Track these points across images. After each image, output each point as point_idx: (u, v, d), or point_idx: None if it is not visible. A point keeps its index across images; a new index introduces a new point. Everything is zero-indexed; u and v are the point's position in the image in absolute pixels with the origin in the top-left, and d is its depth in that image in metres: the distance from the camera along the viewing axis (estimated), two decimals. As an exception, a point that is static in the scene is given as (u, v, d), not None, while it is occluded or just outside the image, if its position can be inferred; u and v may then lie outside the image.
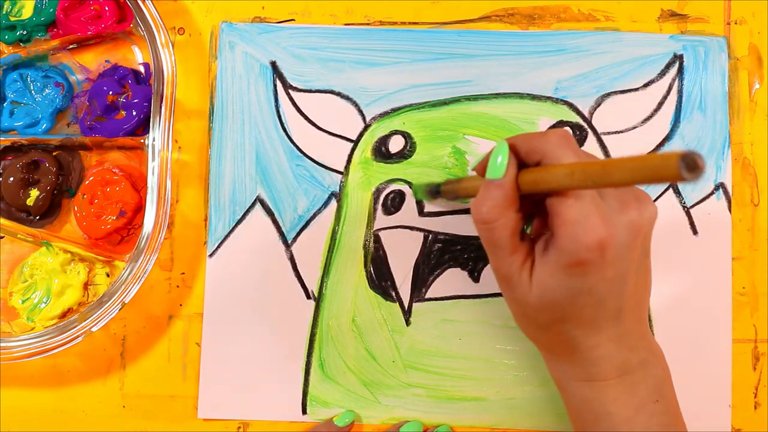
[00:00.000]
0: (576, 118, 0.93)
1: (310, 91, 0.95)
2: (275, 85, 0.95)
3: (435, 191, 0.86)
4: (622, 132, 0.92)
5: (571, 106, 0.93)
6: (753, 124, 0.93)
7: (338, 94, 0.94)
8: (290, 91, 0.95)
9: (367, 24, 0.95)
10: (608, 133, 0.93)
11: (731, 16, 0.95)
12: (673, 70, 0.94)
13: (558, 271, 0.68)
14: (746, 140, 0.93)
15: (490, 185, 0.71)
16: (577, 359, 0.74)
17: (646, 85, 0.94)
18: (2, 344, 0.88)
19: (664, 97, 0.93)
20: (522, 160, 0.71)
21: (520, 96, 0.94)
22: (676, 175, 0.53)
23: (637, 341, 0.73)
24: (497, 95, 0.94)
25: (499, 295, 0.92)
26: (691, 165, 0.53)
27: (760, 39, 0.95)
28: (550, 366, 0.79)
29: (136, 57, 0.97)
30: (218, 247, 0.94)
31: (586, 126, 0.93)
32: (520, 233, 0.73)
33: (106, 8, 0.94)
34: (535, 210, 0.75)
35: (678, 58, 0.94)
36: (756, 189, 0.93)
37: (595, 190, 0.67)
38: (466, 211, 0.92)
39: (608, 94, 0.94)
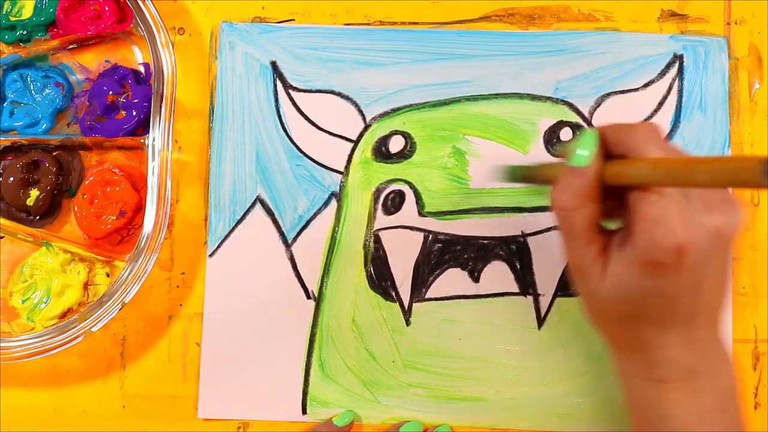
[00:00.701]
0: (576, 119, 0.93)
1: (310, 91, 0.95)
2: (275, 85, 0.95)
3: (519, 174, 0.85)
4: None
5: (571, 106, 0.93)
6: (753, 124, 0.93)
7: (338, 94, 0.95)
8: (290, 91, 0.95)
9: (367, 24, 0.95)
10: (609, 134, 0.92)
11: (731, 16, 0.95)
12: (673, 70, 0.94)
13: (632, 268, 0.67)
14: (746, 140, 0.93)
15: (573, 173, 0.69)
16: (642, 358, 0.72)
17: (646, 86, 0.94)
18: (2, 344, 0.88)
19: (665, 98, 0.93)
20: (608, 150, 0.70)
21: (520, 96, 0.94)
22: (755, 180, 0.52)
23: (708, 347, 0.72)
24: (497, 95, 0.94)
25: (499, 295, 0.92)
26: None
27: (760, 39, 0.95)
28: (615, 361, 0.77)
29: (136, 57, 0.97)
30: (218, 247, 0.94)
31: (586, 126, 0.93)
32: (598, 225, 0.71)
33: (106, 8, 0.94)
34: (616, 203, 0.72)
35: (678, 58, 0.94)
36: (756, 189, 0.92)
37: (681, 189, 0.66)
38: (467, 212, 0.93)
39: (608, 95, 0.93)
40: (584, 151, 0.69)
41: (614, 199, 0.70)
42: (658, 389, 0.72)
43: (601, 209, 0.70)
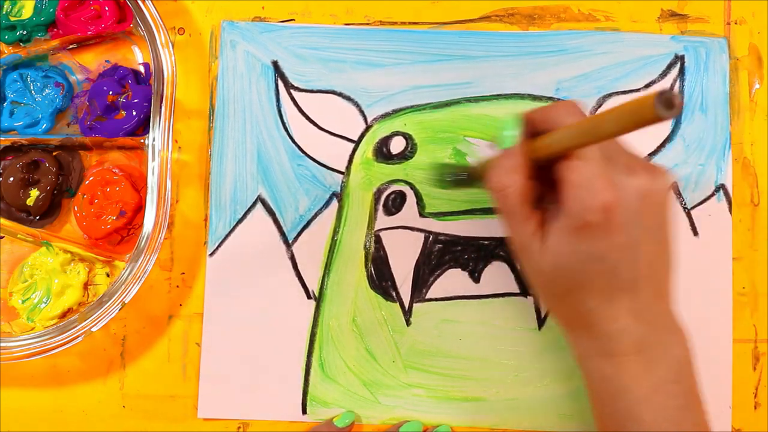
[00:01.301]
0: None
1: (311, 91, 0.95)
2: (277, 85, 0.95)
3: (463, 178, 0.86)
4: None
5: None
6: (753, 124, 0.93)
7: (340, 94, 0.94)
8: (292, 90, 0.95)
9: (367, 24, 0.95)
10: (609, 134, 0.92)
11: (731, 16, 0.95)
12: (674, 71, 0.94)
13: (567, 235, 0.69)
14: (746, 140, 0.93)
15: (503, 154, 0.74)
16: (594, 333, 0.74)
17: (647, 86, 0.94)
18: (2, 344, 0.88)
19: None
20: (536, 131, 0.73)
21: (521, 97, 0.94)
22: (653, 114, 0.55)
23: (657, 318, 0.73)
24: (498, 96, 0.94)
25: (499, 295, 0.92)
26: (667, 103, 0.54)
27: (760, 39, 0.95)
28: (571, 343, 0.79)
29: (136, 57, 0.97)
30: (219, 246, 0.94)
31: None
32: (534, 202, 0.73)
33: (106, 8, 0.94)
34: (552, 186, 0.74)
35: (679, 58, 0.94)
36: (756, 189, 0.93)
37: (603, 156, 0.68)
38: (467, 213, 0.93)
39: (609, 95, 0.93)
40: (509, 132, 0.73)
41: (549, 182, 0.72)
42: (613, 364, 0.73)
43: (534, 186, 0.73)
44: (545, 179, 0.73)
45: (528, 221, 0.73)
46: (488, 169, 0.75)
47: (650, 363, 0.72)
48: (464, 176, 0.84)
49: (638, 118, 0.58)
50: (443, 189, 0.91)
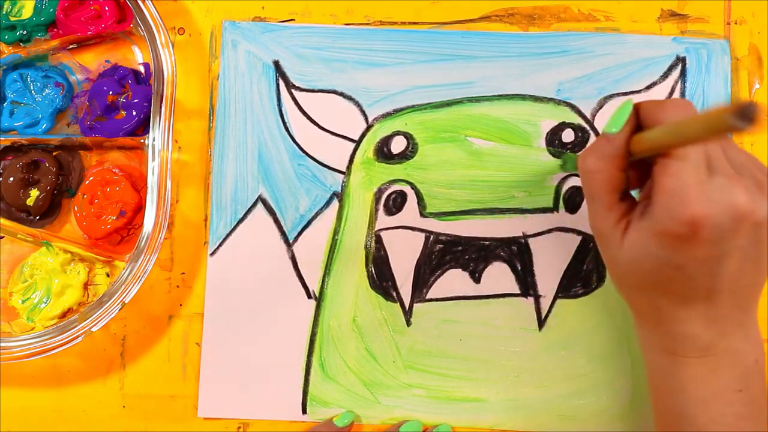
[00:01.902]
0: (578, 120, 0.93)
1: (312, 90, 0.95)
2: (278, 84, 0.95)
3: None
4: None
5: (574, 107, 0.93)
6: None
7: (341, 94, 0.94)
8: (293, 90, 0.95)
9: (367, 24, 0.95)
10: (611, 135, 0.92)
11: (731, 16, 0.94)
12: (676, 73, 0.94)
13: (649, 237, 0.68)
14: (746, 140, 0.93)
15: (602, 138, 0.73)
16: (661, 330, 0.73)
17: (648, 87, 0.93)
18: (2, 344, 0.88)
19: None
20: (643, 124, 0.72)
21: (522, 97, 0.93)
22: (729, 126, 0.55)
23: (732, 328, 0.72)
24: (499, 97, 0.93)
25: (500, 296, 0.92)
26: (744, 115, 0.53)
27: (760, 39, 0.94)
28: (638, 331, 0.79)
29: (136, 57, 0.96)
30: (219, 246, 0.93)
31: (588, 128, 0.93)
32: (622, 193, 0.73)
33: (106, 8, 0.93)
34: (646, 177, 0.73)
35: (681, 60, 0.94)
36: (756, 189, 0.92)
37: (706, 161, 0.67)
38: (468, 213, 0.92)
39: (610, 96, 0.93)
40: (616, 120, 0.71)
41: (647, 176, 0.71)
42: (675, 363, 0.73)
43: (625, 178, 0.73)
44: (644, 173, 0.72)
45: (611, 211, 0.72)
46: (584, 150, 0.76)
47: (714, 369, 0.71)
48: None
49: (719, 127, 0.58)
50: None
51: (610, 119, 0.72)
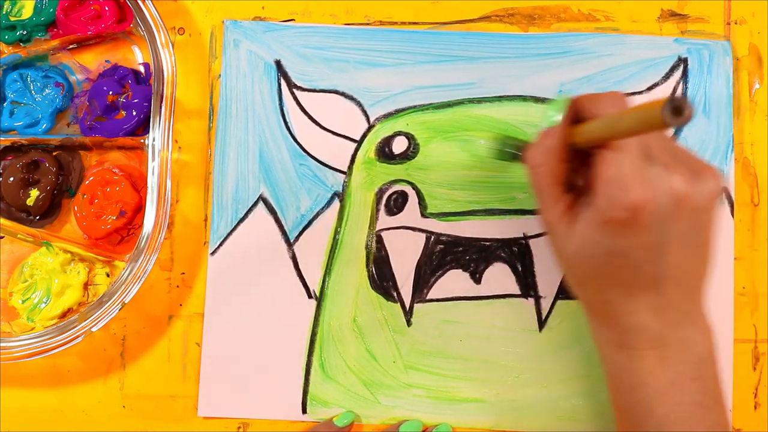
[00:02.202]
0: None
1: (314, 90, 0.94)
2: (279, 84, 0.95)
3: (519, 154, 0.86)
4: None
5: None
6: (753, 124, 0.93)
7: (342, 94, 0.94)
8: (294, 90, 0.94)
9: (368, 24, 0.95)
10: (612, 136, 0.92)
11: (731, 16, 0.94)
12: (678, 74, 0.93)
13: (593, 226, 0.69)
14: (746, 140, 0.93)
15: (542, 133, 0.76)
16: (613, 323, 0.74)
17: (650, 88, 0.93)
18: (2, 344, 0.88)
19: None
20: (580, 117, 0.73)
21: (524, 98, 0.93)
22: (660, 120, 0.56)
23: (680, 317, 0.73)
24: (501, 98, 0.93)
25: (500, 297, 0.92)
26: (676, 110, 0.55)
27: (760, 39, 0.94)
28: (591, 328, 0.80)
29: (136, 57, 0.96)
30: (220, 245, 0.93)
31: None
32: (565, 185, 0.75)
33: (106, 8, 0.93)
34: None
35: (682, 61, 0.94)
36: (756, 189, 0.93)
37: (643, 150, 0.68)
38: (469, 213, 0.92)
39: None
40: (553, 114, 0.75)
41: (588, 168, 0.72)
42: (629, 356, 0.74)
43: (567, 169, 0.75)
44: (586, 164, 0.73)
45: (557, 203, 0.74)
46: (526, 147, 0.77)
47: (668, 359, 0.72)
48: (520, 152, 0.84)
49: (650, 123, 0.58)
50: (500, 160, 0.89)
51: (545, 115, 0.76)
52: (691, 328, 0.73)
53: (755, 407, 0.92)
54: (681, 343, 0.72)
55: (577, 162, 0.74)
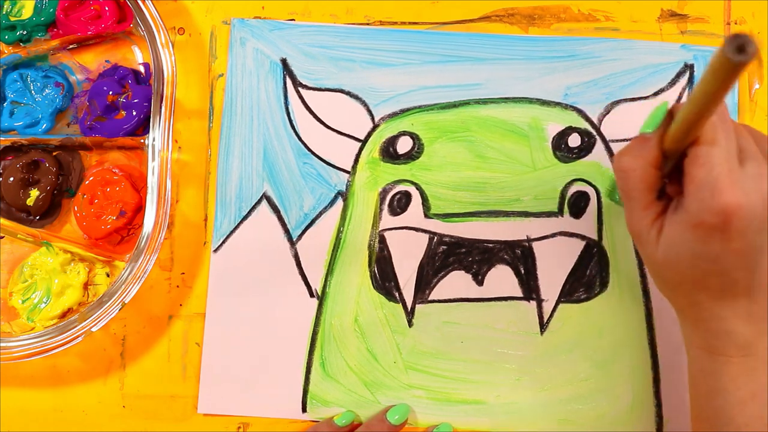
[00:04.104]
0: (585, 125, 0.92)
1: (319, 89, 0.94)
2: (285, 83, 0.94)
3: None
4: (631, 140, 0.90)
5: (581, 112, 0.92)
6: (753, 124, 0.91)
7: (348, 93, 0.94)
8: (300, 88, 0.94)
9: (368, 24, 0.94)
10: (617, 141, 0.92)
11: (731, 16, 0.94)
12: (684, 80, 0.93)
13: (683, 231, 0.67)
14: (741, 135, 0.92)
15: (637, 138, 0.72)
16: (701, 327, 0.72)
17: (656, 94, 0.93)
18: (2, 344, 0.87)
19: (674, 107, 0.92)
20: None
21: (530, 101, 0.93)
22: (727, 61, 0.54)
23: None
24: (506, 99, 0.93)
25: (502, 299, 0.91)
26: (740, 48, 0.53)
27: (760, 39, 0.94)
28: (681, 328, 0.77)
29: (136, 57, 0.96)
30: (223, 242, 0.93)
31: (594, 133, 0.92)
32: (658, 192, 0.72)
33: (106, 8, 0.93)
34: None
35: (689, 67, 0.93)
36: (756, 189, 0.91)
37: (737, 155, 0.66)
38: (473, 215, 0.91)
39: (618, 102, 0.92)
40: (651, 120, 0.71)
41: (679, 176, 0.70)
42: (715, 361, 0.71)
43: (660, 177, 0.72)
44: (677, 174, 0.71)
45: (647, 209, 0.71)
46: (619, 151, 0.75)
47: (753, 369, 0.70)
48: None
49: (717, 70, 0.57)
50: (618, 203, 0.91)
51: (645, 120, 0.71)
52: None
53: (755, 407, 0.90)
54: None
55: (670, 171, 0.72)
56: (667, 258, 0.69)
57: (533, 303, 0.91)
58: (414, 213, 0.92)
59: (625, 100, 0.92)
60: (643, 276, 0.90)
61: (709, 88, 0.60)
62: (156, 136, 0.88)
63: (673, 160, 0.71)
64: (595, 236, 0.89)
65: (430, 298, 0.91)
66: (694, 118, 0.64)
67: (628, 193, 0.72)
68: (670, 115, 0.71)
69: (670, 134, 0.69)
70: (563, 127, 0.92)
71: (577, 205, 0.91)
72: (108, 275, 0.93)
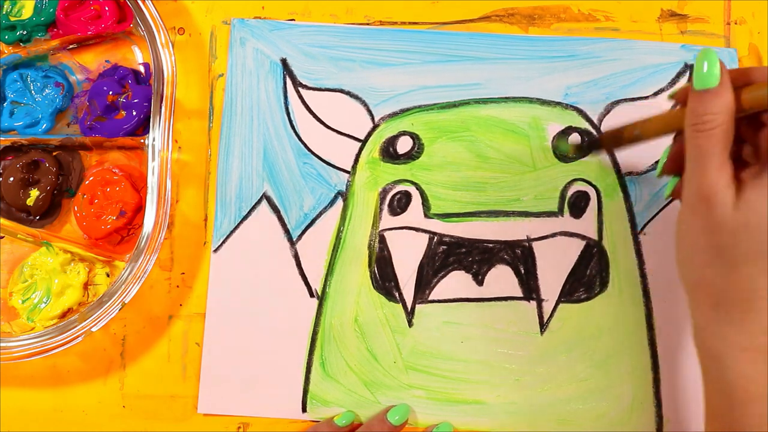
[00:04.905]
0: (585, 125, 0.92)
1: (319, 89, 0.94)
2: (285, 83, 0.94)
3: (593, 144, 0.84)
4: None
5: (581, 112, 0.92)
6: (753, 125, 0.92)
7: (348, 93, 0.94)
8: (300, 88, 0.94)
9: (368, 24, 0.94)
10: (617, 141, 0.92)
11: (731, 16, 0.94)
12: (683, 80, 0.93)
13: None
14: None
15: (705, 94, 0.67)
16: (749, 320, 0.67)
17: (656, 94, 0.93)
18: (2, 344, 0.87)
19: (674, 107, 0.90)
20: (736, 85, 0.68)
21: (530, 100, 0.93)
22: None
23: None
24: (506, 99, 0.93)
25: (502, 299, 0.91)
26: None
27: (760, 39, 0.93)
28: (708, 329, 0.70)
29: (136, 57, 0.96)
30: (223, 242, 0.93)
31: (595, 133, 0.92)
32: (731, 152, 0.68)
33: (106, 8, 0.93)
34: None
35: (689, 67, 0.93)
36: (756, 189, 0.91)
37: None
38: (473, 215, 0.91)
39: (618, 102, 0.92)
40: (708, 71, 0.67)
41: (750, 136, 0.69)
42: (759, 363, 0.67)
43: (734, 137, 0.68)
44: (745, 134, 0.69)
45: (722, 169, 0.66)
46: (665, 129, 0.73)
47: None
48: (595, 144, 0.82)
49: None
50: (565, 153, 0.89)
51: (698, 74, 0.68)
52: None
53: (755, 407, 0.90)
54: None
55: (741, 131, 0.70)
56: (747, 224, 0.65)
57: (533, 303, 0.91)
58: (414, 213, 0.91)
59: (625, 100, 0.92)
60: (643, 276, 0.90)
61: None
62: (156, 136, 0.88)
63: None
64: (595, 236, 0.89)
65: (430, 298, 0.91)
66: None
67: (705, 150, 0.67)
68: (744, 73, 0.69)
69: (755, 95, 0.66)
70: (563, 127, 0.92)
71: (578, 205, 0.90)
72: (108, 275, 0.92)
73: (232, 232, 0.93)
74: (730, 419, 0.68)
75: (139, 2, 0.90)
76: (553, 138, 0.90)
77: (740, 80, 0.68)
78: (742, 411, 0.67)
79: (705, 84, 0.67)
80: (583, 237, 0.90)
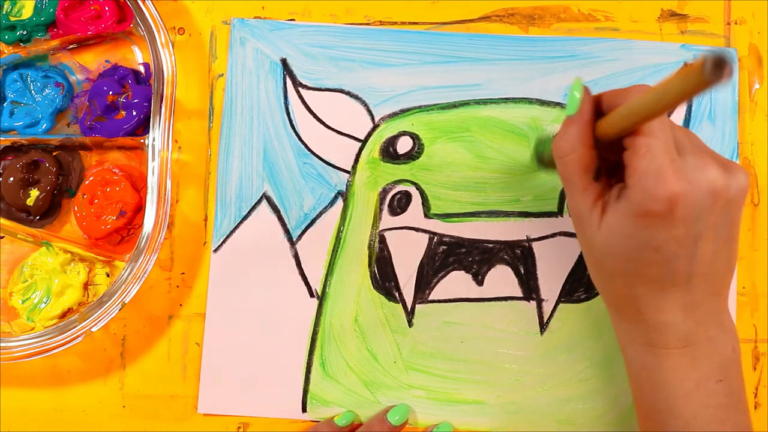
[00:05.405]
0: None
1: (319, 89, 0.94)
2: (285, 83, 0.94)
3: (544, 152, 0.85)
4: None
5: None
6: (753, 124, 0.92)
7: (348, 93, 0.93)
8: (300, 88, 0.94)
9: (368, 24, 0.93)
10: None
11: (731, 16, 0.93)
12: (683, 80, 0.92)
13: (626, 219, 0.67)
14: (746, 140, 0.92)
15: (566, 122, 0.73)
16: (640, 321, 0.72)
17: (655, 94, 0.92)
18: (2, 344, 0.87)
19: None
20: (604, 111, 0.72)
21: (529, 101, 0.92)
22: (702, 79, 0.54)
23: (708, 315, 0.71)
24: (506, 100, 0.93)
25: (502, 299, 0.91)
26: (717, 66, 0.52)
27: (760, 39, 0.93)
28: (615, 326, 0.77)
29: (136, 57, 0.95)
30: (223, 242, 0.93)
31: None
32: (595, 173, 0.72)
33: (106, 8, 0.92)
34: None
35: (688, 68, 0.93)
36: (756, 189, 0.92)
37: (675, 148, 0.67)
38: (473, 215, 0.91)
39: None
40: (572, 99, 0.72)
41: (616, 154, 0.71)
42: (656, 355, 0.72)
43: (596, 158, 0.72)
44: (612, 151, 0.71)
45: (586, 192, 0.71)
46: (554, 137, 0.75)
47: (695, 359, 0.71)
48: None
49: (694, 84, 0.56)
50: (540, 168, 0.89)
51: (567, 102, 0.72)
52: (718, 327, 0.72)
53: (755, 407, 0.91)
54: (708, 343, 0.71)
55: (604, 150, 0.73)
56: (608, 244, 0.70)
57: (533, 303, 0.91)
58: (414, 213, 0.91)
59: (625, 100, 0.92)
60: (643, 276, 0.90)
61: (673, 95, 0.60)
62: (156, 136, 0.88)
63: (606, 143, 0.71)
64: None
65: (430, 298, 0.91)
66: (647, 115, 0.65)
67: (567, 176, 0.73)
68: (596, 98, 0.73)
69: (611, 123, 0.70)
70: (563, 128, 0.91)
71: (577, 205, 0.90)
72: (108, 275, 0.92)
73: (232, 232, 0.92)
74: (638, 401, 0.77)
75: (139, 2, 0.90)
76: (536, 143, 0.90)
77: (611, 105, 0.72)
78: (649, 393, 0.74)
79: (567, 111, 0.72)
80: (582, 237, 0.90)
